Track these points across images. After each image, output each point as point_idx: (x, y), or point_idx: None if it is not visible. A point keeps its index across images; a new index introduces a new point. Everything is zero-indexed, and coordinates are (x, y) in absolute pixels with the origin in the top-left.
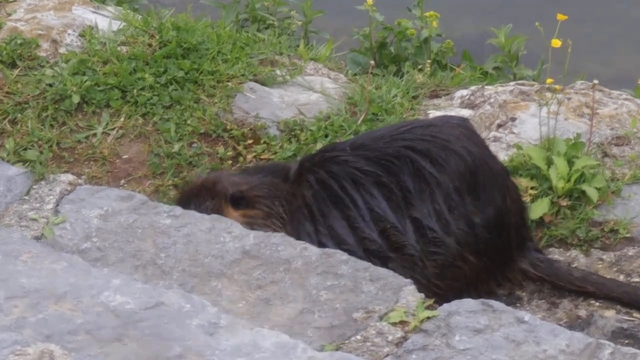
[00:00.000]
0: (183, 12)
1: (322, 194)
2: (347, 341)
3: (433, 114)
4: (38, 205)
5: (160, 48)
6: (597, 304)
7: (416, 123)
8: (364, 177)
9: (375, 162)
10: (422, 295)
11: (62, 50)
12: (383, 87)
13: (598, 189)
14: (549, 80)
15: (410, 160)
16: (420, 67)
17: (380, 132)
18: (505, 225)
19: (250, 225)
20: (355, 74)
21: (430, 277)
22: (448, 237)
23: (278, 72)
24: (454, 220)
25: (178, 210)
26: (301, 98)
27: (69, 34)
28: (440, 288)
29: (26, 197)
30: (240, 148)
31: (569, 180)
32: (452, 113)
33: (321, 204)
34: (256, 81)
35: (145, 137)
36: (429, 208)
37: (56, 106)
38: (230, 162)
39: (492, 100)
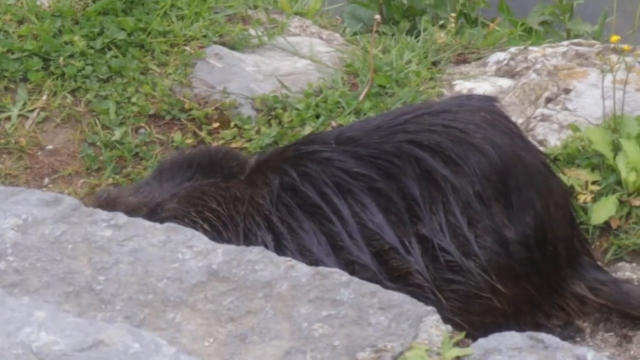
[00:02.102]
0: None
1: (287, 200)
2: None
3: (460, 85)
4: None
5: (93, 1)
6: None
7: (422, 109)
8: (352, 181)
9: (369, 161)
10: (450, 327)
11: None
12: (393, 51)
13: None
14: (614, 38)
15: (415, 159)
16: (442, 22)
17: (375, 121)
18: (549, 238)
19: None
20: (355, 34)
21: (448, 313)
22: (468, 260)
23: (252, 31)
24: (476, 237)
25: (121, 217)
26: (283, 66)
27: None
28: (466, 326)
29: None
30: (202, 134)
31: None
32: (486, 84)
33: (287, 214)
34: (223, 44)
35: (75, 120)
36: (442, 222)
37: None
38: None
39: (538, 65)
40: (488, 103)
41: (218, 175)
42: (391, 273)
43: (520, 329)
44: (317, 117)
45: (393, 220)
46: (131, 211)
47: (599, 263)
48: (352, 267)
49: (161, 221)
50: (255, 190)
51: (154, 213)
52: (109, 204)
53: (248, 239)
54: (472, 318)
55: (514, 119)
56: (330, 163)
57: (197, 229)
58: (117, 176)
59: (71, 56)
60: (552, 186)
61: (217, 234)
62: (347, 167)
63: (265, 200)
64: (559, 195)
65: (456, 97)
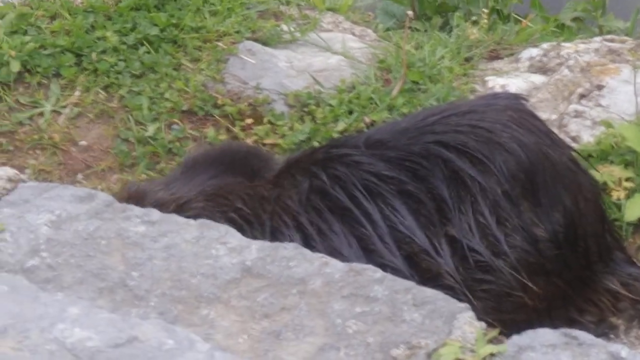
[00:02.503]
0: None
1: (318, 202)
2: None
3: (493, 81)
4: None
5: None
6: None
7: (449, 109)
8: (382, 184)
9: (398, 164)
10: (484, 324)
11: None
12: (425, 47)
13: None
14: None
15: (443, 160)
16: (474, 18)
17: (403, 123)
18: (579, 235)
19: None
20: (388, 29)
21: (480, 313)
22: (498, 260)
23: (284, 27)
24: (505, 236)
25: (154, 214)
26: (316, 62)
27: None
28: (498, 324)
29: None
30: (236, 130)
31: None
32: (519, 80)
33: (316, 216)
34: (256, 40)
35: (108, 116)
36: (471, 222)
37: None
38: None
39: (571, 62)
40: (515, 101)
41: (241, 173)
42: (422, 275)
43: (553, 324)
44: (350, 113)
45: (423, 222)
46: (159, 206)
47: (634, 260)
48: (384, 270)
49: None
50: (282, 191)
51: (182, 210)
52: (138, 196)
53: (275, 238)
54: (504, 316)
55: (546, 115)
56: (360, 166)
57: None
58: (150, 172)
59: (104, 52)
60: (580, 182)
61: (242, 233)
62: (376, 170)
63: (293, 202)
64: (588, 191)
65: (483, 97)
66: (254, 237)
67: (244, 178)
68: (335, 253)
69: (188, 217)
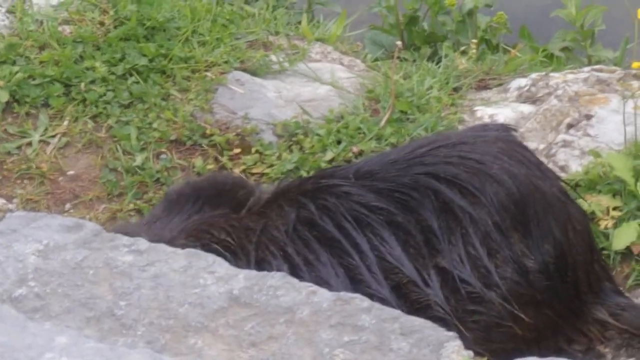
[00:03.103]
0: None
1: (305, 233)
2: None
3: (482, 111)
4: None
5: (115, 27)
6: None
7: (439, 141)
8: (371, 215)
9: (387, 195)
10: (471, 353)
11: None
12: (414, 77)
13: None
14: (635, 65)
15: (433, 191)
16: (463, 48)
17: (393, 154)
18: (569, 264)
19: None
20: (376, 59)
21: (470, 344)
22: (490, 291)
23: (273, 57)
24: (496, 267)
25: (142, 243)
26: (305, 92)
27: None
28: (487, 354)
29: None
30: (224, 159)
31: None
32: (507, 109)
33: (303, 247)
34: (244, 70)
35: (97, 146)
36: (462, 254)
37: None
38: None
39: (560, 92)
40: (505, 133)
41: (226, 205)
42: (411, 306)
43: (542, 354)
44: (339, 142)
45: (412, 253)
46: None
47: (621, 289)
48: (371, 300)
49: None
50: (269, 222)
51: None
52: None
53: (262, 269)
54: (493, 346)
55: (535, 145)
56: (349, 197)
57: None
58: (138, 202)
59: (92, 82)
60: (570, 213)
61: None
62: (365, 201)
63: (280, 232)
64: (578, 221)
65: (472, 128)
66: (238, 268)
67: (230, 210)
68: (322, 283)
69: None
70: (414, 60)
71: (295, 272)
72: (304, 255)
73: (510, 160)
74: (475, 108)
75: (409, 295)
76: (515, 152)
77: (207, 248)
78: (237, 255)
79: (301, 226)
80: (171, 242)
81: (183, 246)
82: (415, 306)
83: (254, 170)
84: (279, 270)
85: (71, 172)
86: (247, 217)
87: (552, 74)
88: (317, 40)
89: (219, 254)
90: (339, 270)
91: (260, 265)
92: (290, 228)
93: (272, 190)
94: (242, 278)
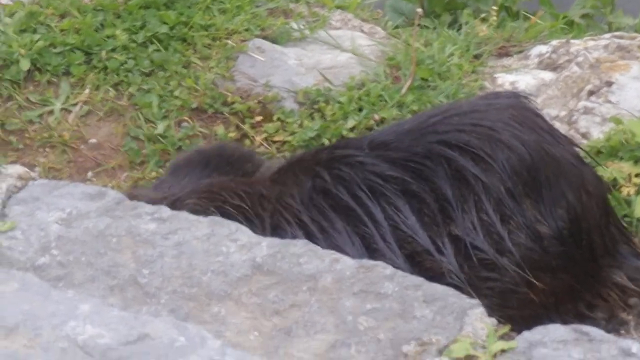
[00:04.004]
0: None
1: (320, 202)
2: None
3: (502, 78)
4: None
5: None
6: None
7: (452, 109)
8: (385, 184)
9: (401, 165)
10: (494, 320)
11: (4, 0)
12: (435, 44)
13: None
14: None
15: (445, 159)
16: (483, 15)
17: (406, 124)
18: (583, 229)
19: None
20: (397, 27)
21: (487, 310)
22: (503, 257)
23: (294, 25)
24: (509, 233)
25: (165, 211)
26: (325, 59)
27: None
28: (505, 320)
29: None
30: (246, 127)
31: None
32: (528, 76)
33: (319, 215)
34: (265, 38)
35: (118, 114)
36: (475, 221)
37: None
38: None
39: (580, 58)
40: (516, 100)
41: (235, 175)
42: (425, 274)
43: (562, 319)
44: (360, 110)
45: (426, 221)
46: (153, 201)
47: None
48: None
49: None
50: (284, 189)
51: (173, 207)
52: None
53: (277, 235)
54: (510, 312)
55: (556, 112)
56: (364, 167)
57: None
58: (160, 170)
59: (113, 50)
60: (584, 176)
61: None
62: (380, 170)
63: (295, 201)
64: (592, 185)
65: (484, 96)
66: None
67: (238, 174)
68: (338, 251)
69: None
70: (435, 28)
71: (310, 239)
72: (319, 222)
73: (522, 127)
74: (496, 75)
75: (423, 264)
76: (526, 119)
77: (220, 211)
78: (252, 223)
79: (316, 195)
80: (180, 200)
81: (194, 205)
82: (430, 274)
83: (276, 138)
84: (294, 237)
85: (93, 141)
86: (260, 183)
87: (572, 41)
88: (338, 7)
89: (232, 218)
90: (354, 238)
91: (276, 232)
92: (306, 197)
93: (285, 160)
94: (265, 246)
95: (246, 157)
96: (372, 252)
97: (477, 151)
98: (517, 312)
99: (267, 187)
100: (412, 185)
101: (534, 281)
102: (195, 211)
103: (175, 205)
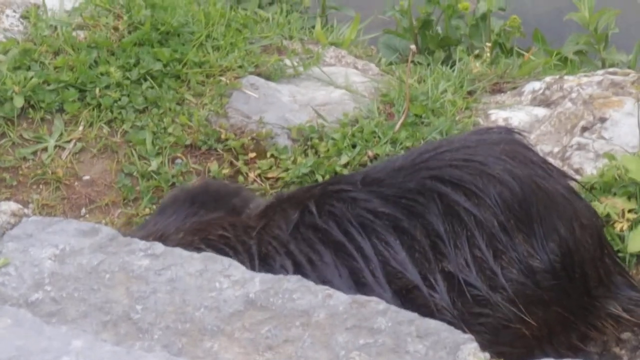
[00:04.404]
0: None
1: (309, 235)
2: None
3: (496, 115)
4: None
5: (129, 33)
6: None
7: (444, 145)
8: (377, 220)
9: (394, 201)
10: (487, 355)
11: None
12: (428, 80)
13: None
14: None
15: (438, 194)
16: (477, 52)
17: (399, 161)
18: (576, 262)
19: None
20: (390, 63)
21: (479, 346)
22: (496, 294)
23: (287, 62)
24: (502, 269)
25: (158, 247)
26: (319, 96)
27: (7, 16)
28: (498, 355)
29: None
30: (239, 164)
31: None
32: (522, 113)
33: (306, 247)
34: (259, 75)
35: (112, 151)
36: (467, 257)
37: None
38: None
39: (574, 95)
40: (507, 135)
41: (222, 211)
42: (417, 310)
43: (555, 350)
44: (354, 146)
45: (417, 258)
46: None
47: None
48: None
49: None
50: (270, 222)
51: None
52: None
53: (267, 265)
54: (502, 349)
55: (549, 148)
56: (356, 203)
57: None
58: (154, 206)
59: (107, 87)
60: (576, 209)
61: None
62: (372, 207)
63: (282, 231)
64: (585, 217)
65: (476, 131)
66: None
67: (226, 214)
68: (325, 282)
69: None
70: (428, 64)
71: (298, 270)
72: (307, 254)
73: (513, 161)
74: (490, 111)
75: (414, 300)
76: (517, 153)
77: (205, 242)
78: (237, 251)
79: (304, 228)
80: (166, 236)
81: (179, 241)
82: (422, 311)
83: (269, 175)
84: (283, 267)
85: (87, 177)
86: (247, 218)
87: (566, 77)
88: (331, 44)
89: (217, 249)
90: (342, 270)
91: (265, 261)
92: (292, 227)
93: (273, 196)
94: (258, 281)
95: (232, 193)
96: (360, 287)
97: (469, 186)
98: (509, 348)
99: (253, 220)
100: (404, 222)
101: (527, 317)
102: (181, 245)
103: (160, 241)
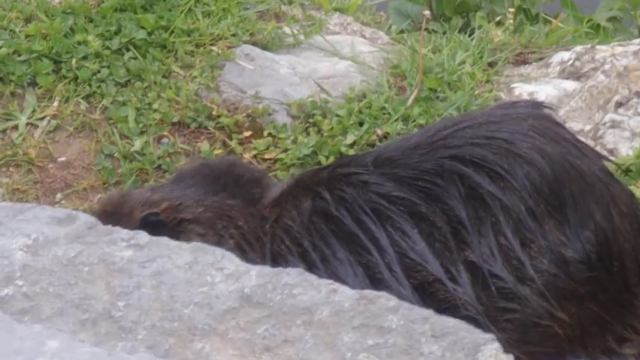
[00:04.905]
0: None
1: (321, 226)
2: None
3: (520, 88)
4: None
5: None
6: None
7: (464, 121)
8: (391, 206)
9: (409, 184)
10: (511, 357)
11: None
12: (444, 50)
13: None
14: None
15: (459, 176)
16: (498, 18)
17: (414, 138)
18: (614, 253)
19: None
20: (402, 31)
21: (504, 346)
22: (523, 286)
23: (287, 29)
24: (531, 259)
25: (143, 237)
26: (322, 68)
27: None
28: (526, 357)
29: None
30: (233, 144)
31: None
32: (549, 87)
33: (319, 241)
34: (254, 44)
35: (90, 129)
36: (492, 245)
37: None
38: None
39: (607, 66)
40: (535, 109)
41: (242, 198)
42: (438, 306)
43: (589, 354)
44: (361, 124)
45: (438, 247)
46: (148, 205)
47: None
48: None
49: (180, 223)
50: (283, 212)
51: (175, 212)
52: (120, 201)
53: (277, 264)
54: (531, 348)
55: (580, 125)
56: (368, 187)
57: (221, 245)
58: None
59: (85, 58)
60: (614, 194)
61: (242, 253)
62: (385, 191)
63: (295, 223)
64: (624, 204)
65: (500, 106)
66: (253, 261)
67: (243, 203)
68: (339, 282)
69: (182, 219)
70: (444, 32)
71: (311, 269)
72: (321, 250)
73: (542, 138)
74: (513, 85)
75: (435, 295)
76: (547, 130)
77: (226, 230)
78: (252, 246)
79: (317, 218)
80: (185, 207)
81: (199, 215)
82: (443, 306)
83: (267, 156)
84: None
85: (62, 159)
86: (263, 208)
87: (598, 47)
88: (336, 10)
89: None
90: (357, 268)
91: (276, 260)
92: (306, 219)
93: (287, 183)
94: (255, 275)
95: (256, 182)
96: (376, 283)
97: (494, 167)
98: (538, 347)
99: (268, 212)
100: (421, 207)
101: (559, 313)
102: (199, 220)
103: (177, 209)
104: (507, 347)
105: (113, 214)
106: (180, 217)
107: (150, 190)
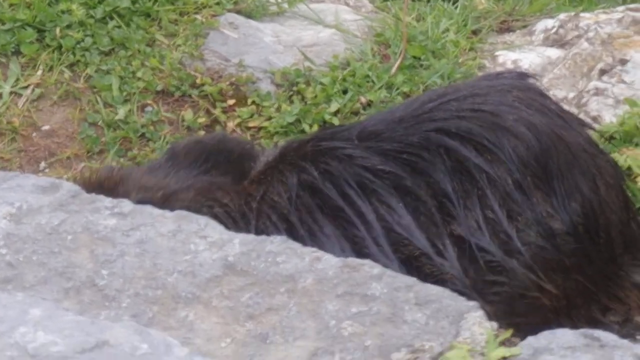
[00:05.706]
0: None
1: (308, 200)
2: None
3: (504, 56)
4: None
5: None
6: None
7: (449, 94)
8: (377, 180)
9: (394, 157)
10: (495, 324)
11: None
12: (428, 18)
13: None
14: None
15: (445, 149)
16: None
17: (399, 111)
18: (601, 225)
19: None
20: None
21: (492, 317)
22: (511, 260)
23: None
24: (518, 232)
25: (126, 205)
26: (306, 36)
27: None
28: (513, 328)
29: None
30: (217, 112)
31: None
32: (532, 54)
33: (307, 216)
34: (238, 12)
35: (74, 98)
36: (479, 219)
37: None
38: (203, 133)
39: (591, 34)
40: (520, 81)
41: (233, 174)
42: (425, 280)
43: (574, 324)
44: (344, 92)
45: (424, 221)
46: (144, 191)
47: None
48: None
49: (173, 210)
50: (269, 188)
51: (168, 201)
52: (115, 180)
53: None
54: (518, 320)
55: (563, 93)
56: (353, 160)
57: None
58: (121, 159)
59: (69, 26)
60: (600, 165)
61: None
62: (370, 164)
63: (282, 198)
64: (610, 175)
65: (485, 77)
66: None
67: (234, 179)
68: None
69: (174, 209)
70: (428, 0)
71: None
72: (308, 225)
73: (529, 110)
74: (497, 53)
75: (422, 269)
76: (533, 101)
77: (210, 210)
78: (237, 224)
79: (303, 192)
80: (177, 193)
81: (189, 200)
82: (430, 280)
83: (251, 124)
84: None
85: (46, 127)
86: (249, 184)
87: (582, 15)
88: None
89: (219, 220)
90: (344, 243)
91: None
92: (293, 194)
93: (272, 154)
94: (238, 243)
95: (246, 155)
96: (363, 258)
97: (480, 139)
98: (525, 319)
99: (253, 188)
100: (407, 181)
101: (546, 285)
102: (189, 207)
103: (170, 198)
104: (494, 318)
105: (108, 193)
106: (173, 207)
107: (145, 172)
